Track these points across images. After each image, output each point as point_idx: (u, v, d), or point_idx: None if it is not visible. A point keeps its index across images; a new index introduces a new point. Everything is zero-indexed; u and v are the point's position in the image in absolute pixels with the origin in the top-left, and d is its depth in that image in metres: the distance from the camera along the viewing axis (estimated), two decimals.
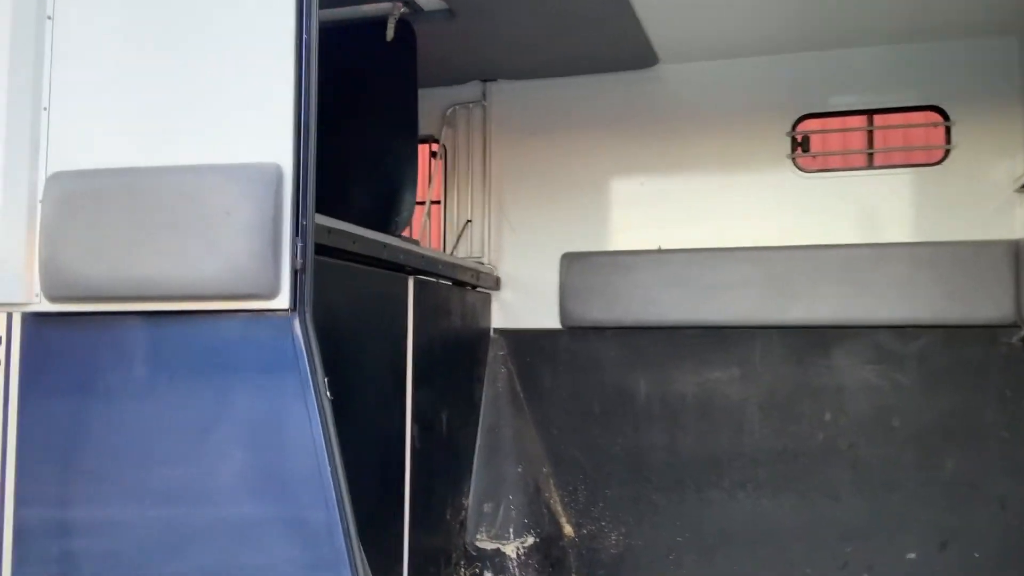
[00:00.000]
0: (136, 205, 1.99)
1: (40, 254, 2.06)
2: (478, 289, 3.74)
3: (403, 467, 2.88)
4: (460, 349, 3.57)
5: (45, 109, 2.12)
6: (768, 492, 3.49)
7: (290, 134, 1.96)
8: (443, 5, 3.12)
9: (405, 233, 3.41)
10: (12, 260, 2.09)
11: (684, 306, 3.60)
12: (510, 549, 3.59)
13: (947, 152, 3.47)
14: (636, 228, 3.79)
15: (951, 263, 3.34)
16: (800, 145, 3.67)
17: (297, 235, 1.94)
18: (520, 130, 3.94)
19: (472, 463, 3.64)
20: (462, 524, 3.54)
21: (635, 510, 3.62)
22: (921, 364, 3.39)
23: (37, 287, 2.07)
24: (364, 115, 3.20)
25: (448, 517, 3.41)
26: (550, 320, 3.79)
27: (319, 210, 2.16)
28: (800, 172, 3.63)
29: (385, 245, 2.69)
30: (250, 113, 2.00)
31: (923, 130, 3.95)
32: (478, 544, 3.57)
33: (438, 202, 4.09)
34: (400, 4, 3.02)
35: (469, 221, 3.97)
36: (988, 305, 3.30)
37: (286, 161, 1.95)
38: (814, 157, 3.77)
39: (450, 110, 4.00)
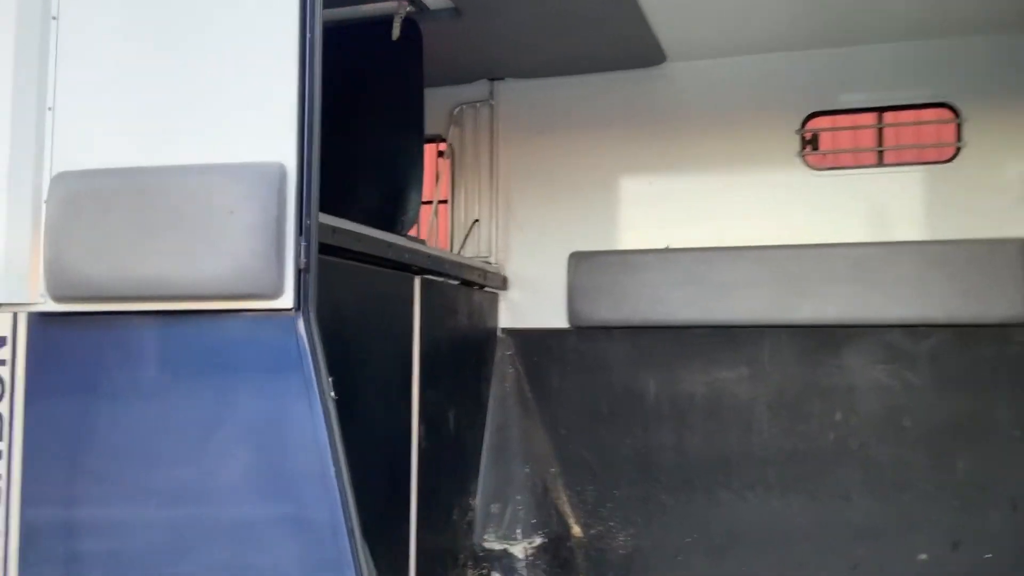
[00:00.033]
0: (140, 205, 1.98)
1: (45, 254, 2.06)
2: (485, 289, 3.73)
3: (410, 467, 2.87)
4: (467, 349, 3.56)
5: (50, 109, 2.12)
6: (778, 492, 3.46)
7: (293, 133, 1.95)
8: (449, 4, 3.11)
9: (412, 233, 3.41)
10: (17, 260, 2.09)
11: (693, 305, 3.58)
12: (518, 550, 3.58)
13: (958, 149, 3.44)
14: (644, 227, 3.77)
15: (962, 261, 3.31)
16: (809, 143, 3.65)
17: (301, 234, 1.94)
18: (527, 129, 3.93)
19: (479, 463, 3.63)
20: (470, 524, 3.53)
21: (644, 510, 3.60)
22: (932, 363, 3.36)
23: (42, 287, 2.08)
24: (370, 114, 3.19)
25: (455, 517, 3.40)
26: (558, 320, 3.78)
27: (324, 210, 2.16)
28: (809, 170, 3.60)
29: (390, 244, 2.68)
30: (254, 112, 1.99)
31: (934, 127, 3.92)
32: (486, 545, 3.56)
33: (445, 201, 4.08)
34: (406, 3, 3.01)
35: (476, 220, 3.96)
36: (1000, 304, 3.26)
37: (290, 160, 1.95)
38: (823, 155, 3.74)
39: (457, 109, 3.99)
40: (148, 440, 2.01)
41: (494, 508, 3.61)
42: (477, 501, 3.59)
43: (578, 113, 3.86)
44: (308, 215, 1.94)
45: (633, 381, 3.65)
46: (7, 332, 2.14)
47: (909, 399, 3.36)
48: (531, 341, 3.81)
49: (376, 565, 1.95)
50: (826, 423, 3.43)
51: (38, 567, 2.08)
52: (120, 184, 2.02)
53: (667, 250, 3.67)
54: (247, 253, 1.90)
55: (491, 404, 3.73)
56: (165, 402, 2.01)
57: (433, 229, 3.96)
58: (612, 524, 3.63)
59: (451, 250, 3.94)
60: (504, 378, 3.77)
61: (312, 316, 1.94)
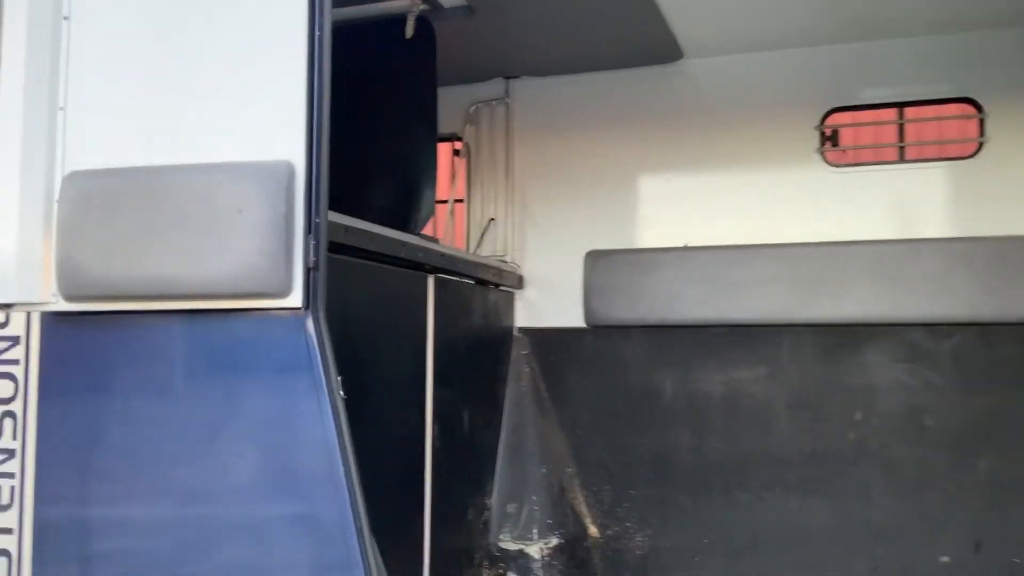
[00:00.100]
0: (149, 204, 1.99)
1: (56, 254, 2.06)
2: (501, 288, 3.71)
3: (423, 467, 2.86)
4: (482, 348, 3.54)
5: (61, 109, 2.12)
6: (797, 493, 3.42)
7: (302, 132, 1.94)
8: (463, 2, 3.11)
9: (429, 231, 3.40)
10: (30, 260, 2.10)
11: (710, 304, 3.54)
12: (534, 550, 3.56)
13: (980, 145, 3.38)
14: (661, 225, 3.74)
15: (985, 259, 3.25)
16: (829, 139, 3.60)
17: (310, 233, 1.93)
18: (543, 127, 3.91)
19: (495, 463, 3.62)
20: (485, 524, 3.51)
21: (661, 511, 3.57)
22: (955, 362, 3.30)
23: (54, 287, 2.08)
24: (383, 113, 3.19)
25: (471, 517, 3.39)
26: (574, 319, 3.75)
27: (337, 209, 2.15)
28: (829, 167, 3.56)
29: (403, 243, 2.67)
30: (262, 111, 1.99)
31: (957, 123, 3.86)
32: (501, 545, 3.54)
33: (461, 200, 4.07)
34: (419, 1, 3.00)
35: (492, 219, 3.95)
36: None
37: (298, 159, 1.94)
38: (843, 151, 3.69)
39: (473, 108, 3.98)
40: (158, 439, 2.01)
41: (510, 508, 3.59)
42: (493, 501, 3.57)
43: (594, 111, 3.84)
44: (317, 213, 1.94)
45: (650, 381, 3.62)
46: (20, 331, 2.15)
47: (931, 398, 3.31)
48: (547, 340, 3.79)
49: (388, 564, 1.94)
50: (846, 423, 3.39)
51: (51, 565, 2.09)
52: (130, 183, 2.02)
53: (685, 248, 3.64)
54: (256, 252, 1.90)
55: (507, 404, 3.71)
56: (175, 401, 2.01)
57: (449, 228, 3.96)
58: (629, 525, 3.61)
59: (467, 249, 3.93)
60: (520, 377, 3.76)
61: (321, 315, 1.93)
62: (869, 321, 3.38)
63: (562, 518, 3.62)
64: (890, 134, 4.11)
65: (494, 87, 3.96)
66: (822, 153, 3.56)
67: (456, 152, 4.07)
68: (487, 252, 3.89)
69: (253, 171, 1.93)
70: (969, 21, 3.30)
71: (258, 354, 1.97)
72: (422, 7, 3.02)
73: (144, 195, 2.00)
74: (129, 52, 2.11)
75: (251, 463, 1.94)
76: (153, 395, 2.03)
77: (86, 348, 2.10)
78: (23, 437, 2.13)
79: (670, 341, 3.61)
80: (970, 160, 3.40)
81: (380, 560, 1.89)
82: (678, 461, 3.56)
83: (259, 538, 1.92)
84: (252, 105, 2.00)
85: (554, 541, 3.59)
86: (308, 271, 1.93)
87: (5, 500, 2.13)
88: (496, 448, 3.63)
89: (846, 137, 3.72)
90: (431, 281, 2.95)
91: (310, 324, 1.92)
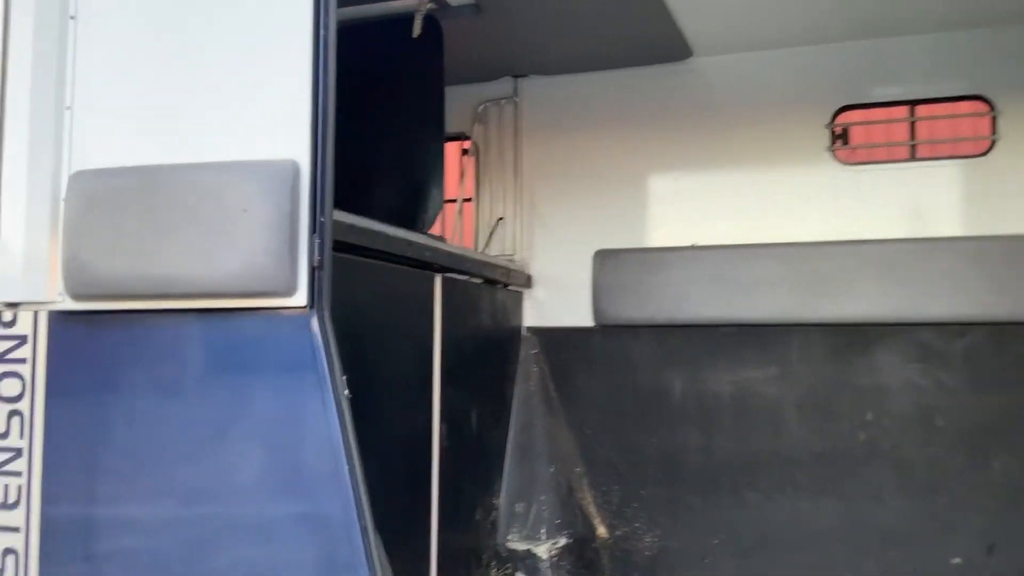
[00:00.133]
0: (155, 203, 1.99)
1: (63, 253, 2.07)
2: (509, 287, 3.70)
3: (430, 466, 2.85)
4: (490, 347, 3.54)
5: (68, 108, 2.13)
6: (807, 494, 3.39)
7: (307, 131, 1.94)
8: (470, 0, 3.09)
9: (437, 231, 3.39)
10: (37, 259, 2.11)
11: (720, 303, 3.53)
12: (542, 550, 3.55)
13: (993, 143, 3.35)
14: (670, 224, 3.72)
15: (998, 257, 3.22)
16: (839, 137, 3.57)
17: (314, 232, 1.92)
18: (552, 126, 3.90)
19: (503, 463, 3.61)
20: (493, 524, 3.50)
21: (670, 511, 3.55)
22: (967, 362, 3.27)
23: (60, 286, 2.09)
24: (390, 112, 3.18)
25: (478, 517, 3.38)
26: (583, 318, 3.74)
27: (343, 208, 2.15)
28: (839, 165, 3.53)
29: (410, 242, 2.66)
30: (267, 110, 1.99)
31: (969, 121, 3.82)
32: (509, 545, 3.53)
33: (470, 199, 4.06)
34: (426, 0, 3.00)
35: (501, 219, 3.94)
36: None
37: (303, 158, 1.94)
38: (854, 150, 3.66)
39: (481, 107, 3.97)
40: (163, 438, 2.01)
41: (518, 508, 3.58)
42: (501, 501, 3.56)
43: (603, 109, 3.83)
44: (322, 212, 1.93)
45: (659, 380, 3.61)
46: (27, 331, 2.15)
47: (943, 398, 3.28)
48: (556, 340, 3.78)
49: (395, 564, 1.93)
50: (856, 423, 3.36)
51: (58, 563, 2.10)
52: (136, 182, 2.02)
53: (694, 248, 3.63)
54: (260, 251, 1.90)
55: (515, 403, 3.70)
56: (180, 400, 2.01)
57: (457, 227, 3.95)
58: (638, 525, 3.59)
59: (476, 248, 3.92)
60: (528, 377, 3.75)
61: (326, 314, 1.92)
62: (880, 321, 3.35)
63: (571, 518, 3.61)
64: (901, 132, 4.08)
65: (502, 86, 3.95)
66: (832, 151, 3.54)
67: (464, 151, 4.06)
68: (496, 251, 3.89)
69: (258, 170, 1.93)
70: (981, 18, 3.27)
71: (263, 353, 1.97)
72: (429, 6, 3.02)
73: (149, 194, 2.00)
74: (135, 51, 2.11)
75: (256, 462, 1.94)
76: (158, 394, 2.03)
77: (92, 347, 2.10)
78: (30, 436, 2.13)
79: (679, 341, 3.59)
80: (982, 158, 3.37)
81: (385, 559, 1.89)
82: (687, 461, 3.54)
83: (264, 537, 1.92)
84: (257, 104, 2.00)
85: (562, 541, 3.58)
86: (313, 270, 1.92)
87: (12, 499, 2.13)
88: (504, 448, 3.62)
89: (857, 135, 3.69)
90: (438, 280, 2.95)
91: (315, 323, 1.91)
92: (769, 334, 3.48)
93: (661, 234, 3.73)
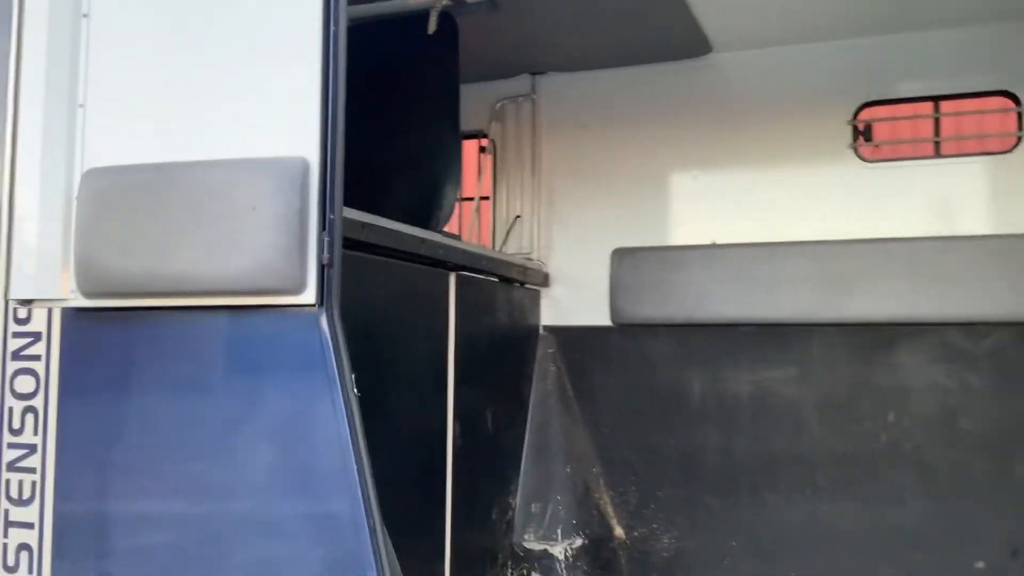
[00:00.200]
0: (166, 201, 1.99)
1: (76, 250, 2.08)
2: (526, 286, 3.68)
3: (444, 466, 2.84)
4: (507, 346, 3.52)
5: (81, 106, 2.14)
6: (827, 496, 3.34)
7: (316, 128, 1.93)
8: None
9: (455, 229, 3.38)
10: (50, 257, 2.12)
11: (739, 302, 3.48)
12: (558, 550, 3.52)
13: (1019, 139, 3.28)
14: (689, 222, 3.69)
15: None
16: (862, 134, 3.52)
17: (324, 230, 1.92)
18: (570, 123, 3.87)
19: (520, 462, 3.59)
20: (509, 524, 3.49)
21: (688, 512, 3.52)
22: (992, 363, 3.21)
23: (73, 283, 2.10)
24: (405, 109, 3.17)
25: (494, 517, 3.37)
26: (600, 317, 3.71)
27: (358, 205, 2.14)
28: (862, 162, 3.48)
29: (423, 240, 2.65)
30: (278, 108, 1.99)
31: (996, 117, 3.75)
32: (525, 545, 3.51)
33: (487, 198, 4.04)
34: None
35: (518, 216, 3.92)
36: None
37: (313, 155, 1.93)
38: (877, 146, 3.60)
39: (499, 104, 3.95)
40: (174, 434, 2.01)
41: (534, 508, 3.56)
42: (517, 500, 3.54)
43: (621, 106, 3.79)
44: (332, 210, 1.92)
45: (677, 380, 3.57)
46: (42, 327, 2.17)
47: (967, 400, 3.21)
48: (573, 339, 3.75)
49: (407, 563, 1.92)
50: (878, 424, 3.31)
51: (71, 559, 2.11)
52: (147, 180, 2.03)
53: (713, 246, 3.58)
54: (270, 248, 1.89)
55: (532, 402, 3.68)
56: (190, 397, 2.02)
57: (475, 225, 3.93)
58: (655, 526, 3.56)
59: (493, 246, 3.90)
60: (546, 376, 3.72)
61: (335, 312, 1.92)
62: (903, 320, 3.30)
63: (587, 518, 3.58)
64: (925, 128, 4.01)
65: (520, 83, 3.93)
66: (855, 148, 3.48)
67: (482, 149, 4.04)
68: (513, 249, 3.86)
69: (267, 167, 1.93)
70: (1006, 11, 3.20)
71: (272, 351, 1.97)
72: (445, 3, 3.00)
73: (160, 192, 2.00)
74: (147, 49, 2.12)
75: (265, 459, 1.94)
76: (169, 390, 2.04)
77: (105, 343, 2.11)
78: (44, 432, 2.15)
79: (698, 340, 3.56)
80: (1009, 155, 3.31)
81: (394, 557, 1.87)
82: (706, 462, 3.51)
83: (273, 534, 1.92)
84: (267, 102, 2.00)
85: (579, 542, 3.55)
86: (322, 268, 1.92)
87: (26, 495, 2.15)
88: (521, 447, 3.60)
89: (879, 132, 3.63)
90: (452, 278, 2.93)
91: (324, 321, 1.91)
92: (790, 333, 3.43)
93: (680, 232, 3.70)
